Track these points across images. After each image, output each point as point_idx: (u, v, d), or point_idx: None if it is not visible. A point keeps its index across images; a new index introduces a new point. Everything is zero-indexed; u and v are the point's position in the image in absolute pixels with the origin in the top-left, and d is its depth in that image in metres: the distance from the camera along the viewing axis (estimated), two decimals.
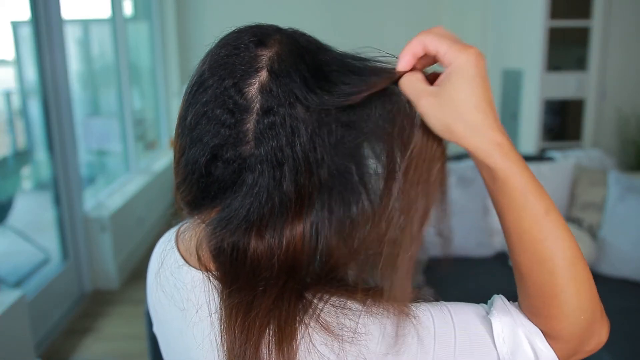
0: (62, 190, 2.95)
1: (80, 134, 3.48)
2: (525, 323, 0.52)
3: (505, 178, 0.49)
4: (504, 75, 4.12)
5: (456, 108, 0.47)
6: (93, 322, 2.82)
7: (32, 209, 3.43)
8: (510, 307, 0.53)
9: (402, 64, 0.53)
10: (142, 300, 3.01)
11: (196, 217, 0.57)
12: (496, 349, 0.51)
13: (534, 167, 2.58)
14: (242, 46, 0.52)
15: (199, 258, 0.56)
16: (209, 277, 0.54)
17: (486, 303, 0.58)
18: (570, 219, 2.51)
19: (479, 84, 0.48)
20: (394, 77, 0.52)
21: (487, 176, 0.50)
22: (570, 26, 3.48)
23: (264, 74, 0.50)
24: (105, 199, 3.46)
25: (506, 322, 0.52)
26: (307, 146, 0.50)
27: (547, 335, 0.51)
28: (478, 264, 2.40)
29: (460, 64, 0.47)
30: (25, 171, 3.40)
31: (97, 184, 3.92)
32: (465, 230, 2.45)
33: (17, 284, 2.68)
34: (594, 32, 3.43)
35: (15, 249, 3.05)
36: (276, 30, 0.55)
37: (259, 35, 0.53)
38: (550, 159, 2.76)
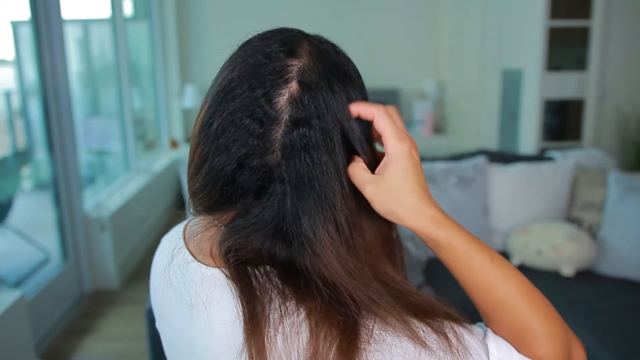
0: (62, 190, 2.95)
1: (80, 134, 3.48)
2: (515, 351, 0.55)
3: (447, 244, 0.54)
4: (504, 75, 4.12)
5: (394, 194, 0.54)
6: (93, 322, 2.82)
7: (32, 209, 3.43)
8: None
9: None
10: (142, 300, 3.01)
11: (211, 217, 0.57)
12: None
13: (534, 167, 2.58)
14: (272, 55, 0.52)
15: (212, 257, 0.56)
16: (226, 275, 0.54)
17: None
18: (570, 219, 2.51)
19: (412, 172, 0.54)
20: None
21: (433, 246, 0.56)
22: (570, 26, 3.48)
23: (294, 85, 0.51)
24: (105, 199, 3.46)
25: (502, 345, 0.54)
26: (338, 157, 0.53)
27: None
28: None
29: (396, 155, 0.53)
30: (25, 171, 3.40)
31: (97, 184, 3.92)
32: None
33: (17, 284, 2.68)
34: (594, 32, 3.43)
35: (15, 249, 3.05)
36: (303, 36, 0.56)
37: (288, 44, 0.54)
38: (550, 159, 2.76)
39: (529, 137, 3.71)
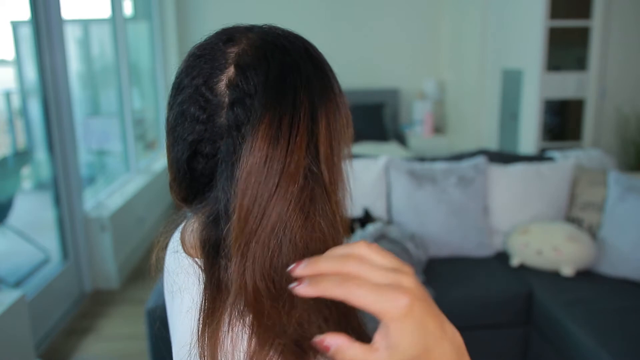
0: (62, 190, 2.95)
1: (80, 134, 3.48)
2: None
3: None
4: (504, 75, 4.12)
5: (410, 354, 0.41)
6: (93, 322, 2.82)
7: (32, 209, 3.43)
8: None
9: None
10: (142, 300, 3.01)
11: (191, 210, 0.60)
12: None
13: (534, 167, 2.58)
14: (213, 46, 0.55)
15: (194, 247, 0.58)
16: (198, 266, 0.55)
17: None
18: (570, 219, 2.51)
19: (421, 334, 0.41)
20: None
21: None
22: (570, 26, 3.48)
23: (231, 70, 0.53)
24: (105, 199, 3.46)
25: None
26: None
27: None
28: (478, 264, 2.40)
29: (393, 319, 0.40)
30: (25, 171, 3.40)
31: (97, 184, 3.92)
32: (465, 230, 2.45)
33: (17, 284, 2.68)
34: (594, 32, 3.43)
35: (15, 249, 3.05)
36: (249, 28, 0.57)
37: (228, 33, 0.56)
38: (550, 159, 2.76)
39: (528, 137, 3.71)
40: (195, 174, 0.55)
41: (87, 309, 2.97)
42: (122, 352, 2.56)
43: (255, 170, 0.49)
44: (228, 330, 0.50)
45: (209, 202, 0.55)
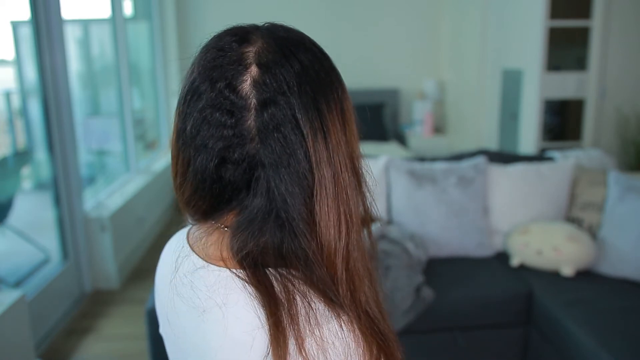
0: (62, 190, 2.95)
1: (80, 134, 3.48)
2: None
3: None
4: (504, 75, 4.12)
5: None
6: (93, 322, 2.82)
7: (32, 209, 3.43)
8: None
9: None
10: (142, 300, 3.01)
11: (212, 222, 0.56)
12: None
13: (534, 167, 2.58)
14: (226, 47, 0.53)
15: (223, 260, 0.55)
16: (240, 278, 0.53)
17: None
18: (570, 219, 2.51)
19: None
20: None
21: None
22: (570, 26, 3.48)
23: (254, 69, 0.51)
24: (105, 199, 3.46)
25: None
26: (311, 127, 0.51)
27: None
28: (478, 264, 2.40)
29: None
30: (25, 171, 3.40)
31: (97, 184, 3.92)
32: (465, 230, 2.45)
33: (17, 284, 2.68)
34: (594, 32, 3.43)
35: (15, 249, 3.05)
36: (255, 27, 0.56)
37: (239, 34, 0.54)
38: (550, 159, 2.76)
39: (528, 137, 3.71)
40: (223, 182, 0.53)
41: (87, 309, 2.97)
42: (122, 352, 2.56)
43: (327, 169, 0.50)
44: (309, 338, 0.48)
45: (244, 211, 0.52)
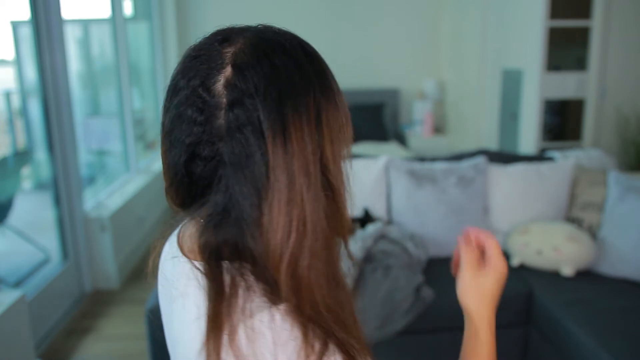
0: (62, 190, 2.95)
1: (80, 134, 3.48)
2: None
3: (482, 337, 0.74)
4: (504, 75, 4.12)
5: (482, 289, 0.73)
6: (93, 322, 2.82)
7: (32, 209, 3.43)
8: None
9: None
10: (142, 300, 3.01)
11: (189, 214, 0.59)
12: None
13: (534, 167, 2.58)
14: (209, 47, 0.54)
15: (194, 252, 0.57)
16: (196, 267, 0.55)
17: None
18: (570, 219, 2.51)
19: (497, 287, 0.74)
20: None
21: (471, 328, 0.75)
22: (570, 26, 3.48)
23: (228, 70, 0.52)
24: (105, 199, 3.46)
25: None
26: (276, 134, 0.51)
27: None
28: None
29: (495, 268, 0.73)
30: (25, 171, 3.40)
31: (97, 184, 3.93)
32: None
33: (17, 284, 2.68)
34: (594, 32, 3.43)
35: (15, 249, 3.05)
36: (244, 28, 0.56)
37: (224, 34, 0.55)
38: (550, 159, 2.76)
39: (528, 137, 3.71)
40: (194, 178, 0.54)
41: (87, 309, 2.97)
42: (122, 352, 2.56)
43: (283, 174, 0.49)
44: (241, 330, 0.49)
45: (208, 206, 0.54)
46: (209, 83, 0.52)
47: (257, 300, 0.51)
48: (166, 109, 0.56)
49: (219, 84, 0.52)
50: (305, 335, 0.50)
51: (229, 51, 0.53)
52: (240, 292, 0.51)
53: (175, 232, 0.64)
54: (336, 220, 0.55)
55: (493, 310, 0.75)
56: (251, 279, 0.52)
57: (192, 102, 0.52)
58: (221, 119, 0.51)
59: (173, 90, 0.55)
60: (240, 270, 0.52)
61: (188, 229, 0.60)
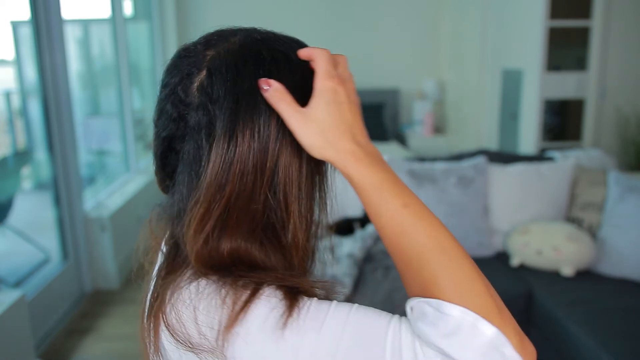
0: (62, 190, 2.95)
1: (80, 134, 3.48)
2: None
3: (359, 180, 0.52)
4: (504, 75, 4.12)
5: (318, 127, 0.52)
6: (93, 322, 2.82)
7: (32, 209, 3.43)
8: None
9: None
10: (142, 300, 3.01)
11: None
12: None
13: (534, 167, 2.58)
14: (193, 47, 0.57)
15: (154, 236, 0.63)
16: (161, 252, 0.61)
17: None
18: (570, 219, 2.51)
19: (335, 108, 0.53)
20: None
21: (349, 181, 0.53)
22: (570, 26, 3.48)
23: (203, 73, 0.54)
24: (105, 199, 3.46)
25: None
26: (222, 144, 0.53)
27: None
28: (478, 263, 2.38)
29: (320, 90, 0.53)
30: (25, 171, 3.40)
31: (97, 184, 3.92)
32: (465, 230, 2.45)
33: (17, 284, 2.68)
34: (594, 32, 3.43)
35: (15, 249, 3.05)
36: (235, 32, 0.57)
37: (211, 37, 0.57)
38: (550, 159, 2.76)
39: (528, 137, 3.71)
40: (168, 169, 0.58)
41: (87, 309, 2.97)
42: (122, 352, 2.56)
43: (212, 178, 0.52)
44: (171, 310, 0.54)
45: (174, 200, 0.58)
46: (187, 83, 0.55)
47: (188, 274, 0.55)
48: (157, 101, 0.59)
49: (194, 86, 0.54)
50: (234, 290, 0.51)
51: (209, 55, 0.55)
52: (178, 270, 0.56)
53: None
54: (281, 236, 0.56)
55: (352, 139, 0.53)
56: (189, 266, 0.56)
57: (172, 99, 0.55)
58: (192, 120, 0.54)
59: (162, 86, 0.58)
60: (184, 257, 0.56)
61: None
